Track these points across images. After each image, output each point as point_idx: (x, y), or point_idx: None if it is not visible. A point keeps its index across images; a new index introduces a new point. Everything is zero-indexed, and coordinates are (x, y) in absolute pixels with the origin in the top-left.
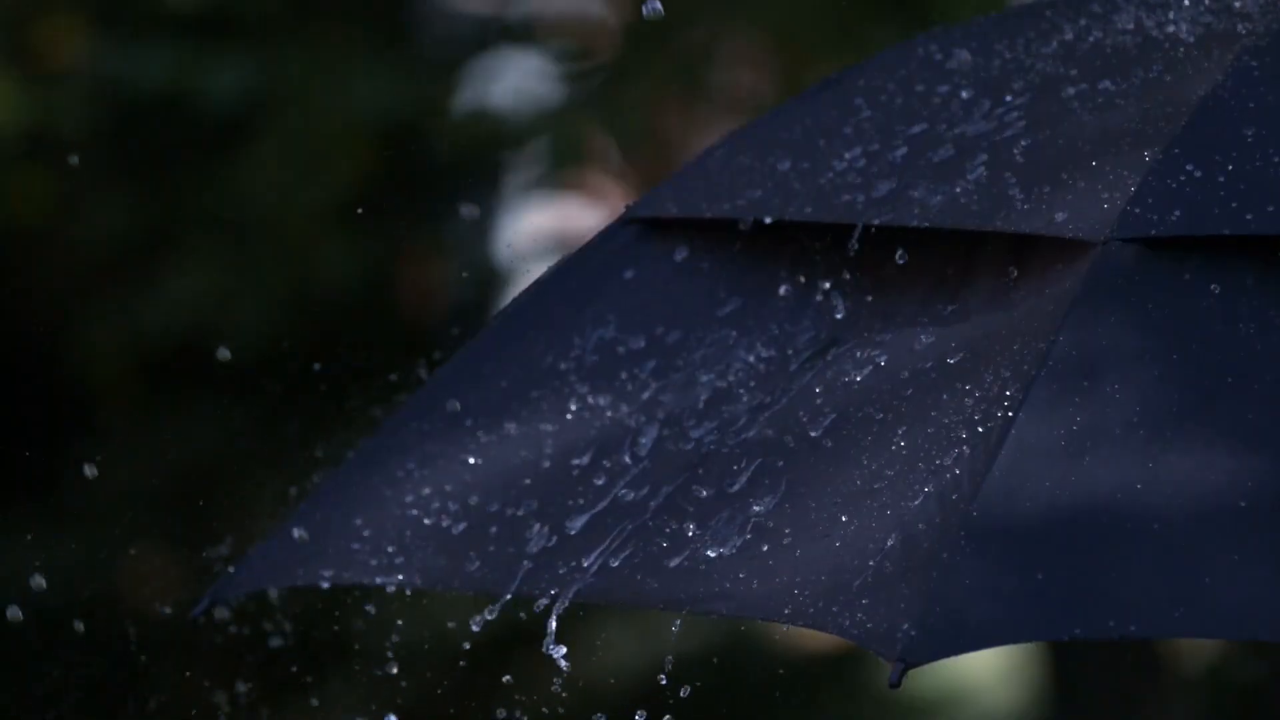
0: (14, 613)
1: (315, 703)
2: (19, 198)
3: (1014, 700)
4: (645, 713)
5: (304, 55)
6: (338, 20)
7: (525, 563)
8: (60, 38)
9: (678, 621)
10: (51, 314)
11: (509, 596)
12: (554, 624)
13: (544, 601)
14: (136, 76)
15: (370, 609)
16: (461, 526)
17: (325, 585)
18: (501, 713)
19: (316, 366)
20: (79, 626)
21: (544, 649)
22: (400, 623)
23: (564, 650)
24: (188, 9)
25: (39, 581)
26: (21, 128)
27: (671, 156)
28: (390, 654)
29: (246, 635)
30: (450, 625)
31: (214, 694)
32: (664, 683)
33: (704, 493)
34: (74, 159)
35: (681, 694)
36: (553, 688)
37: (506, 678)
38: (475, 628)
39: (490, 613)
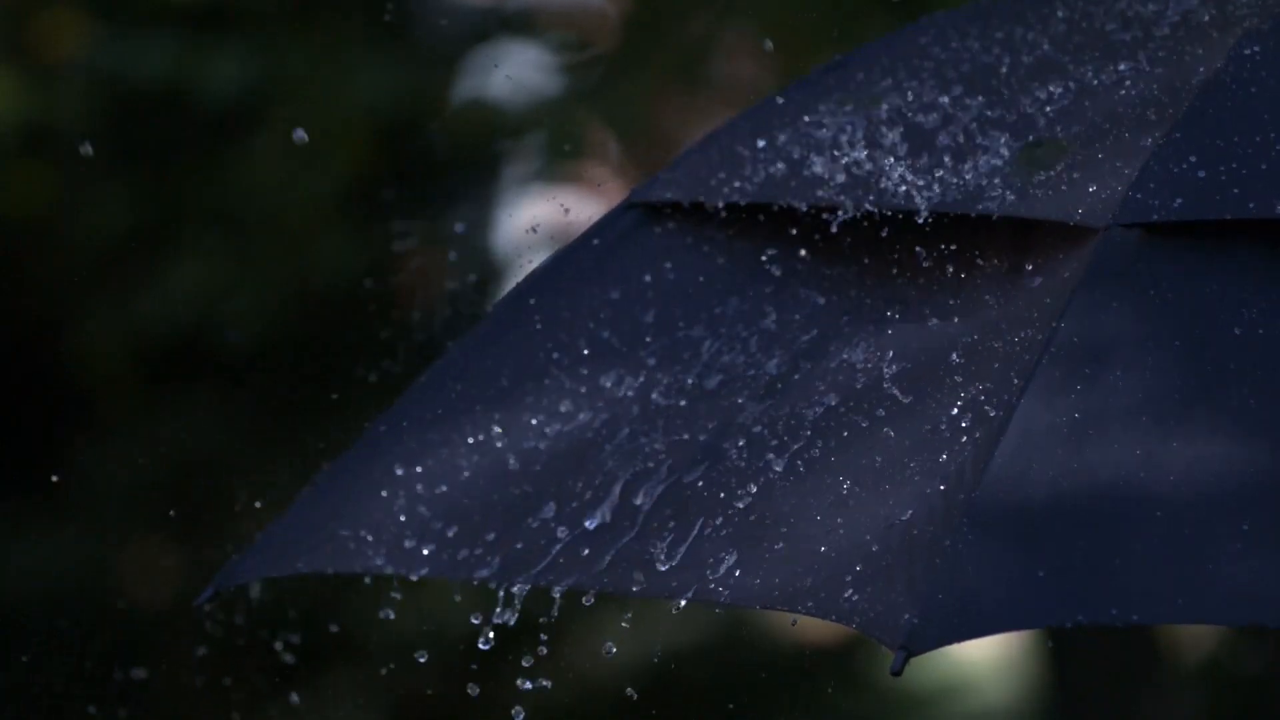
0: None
1: (315, 697)
2: (18, 191)
3: (1012, 693)
4: (642, 705)
5: (303, 47)
6: (336, 12)
7: (528, 552)
8: (59, 30)
9: (675, 612)
10: (51, 308)
11: (499, 588)
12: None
13: (555, 594)
14: (136, 69)
15: (369, 603)
16: (464, 516)
17: (329, 573)
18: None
19: (315, 359)
20: (78, 617)
21: (537, 653)
22: (399, 613)
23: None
24: (187, 1)
25: (38, 575)
26: (21, 121)
27: (671, 148)
28: (388, 649)
29: (246, 630)
30: (449, 619)
31: (214, 687)
32: (663, 675)
33: (705, 482)
34: (86, 147)
35: (680, 688)
36: (548, 680)
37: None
38: (484, 645)
39: (500, 616)
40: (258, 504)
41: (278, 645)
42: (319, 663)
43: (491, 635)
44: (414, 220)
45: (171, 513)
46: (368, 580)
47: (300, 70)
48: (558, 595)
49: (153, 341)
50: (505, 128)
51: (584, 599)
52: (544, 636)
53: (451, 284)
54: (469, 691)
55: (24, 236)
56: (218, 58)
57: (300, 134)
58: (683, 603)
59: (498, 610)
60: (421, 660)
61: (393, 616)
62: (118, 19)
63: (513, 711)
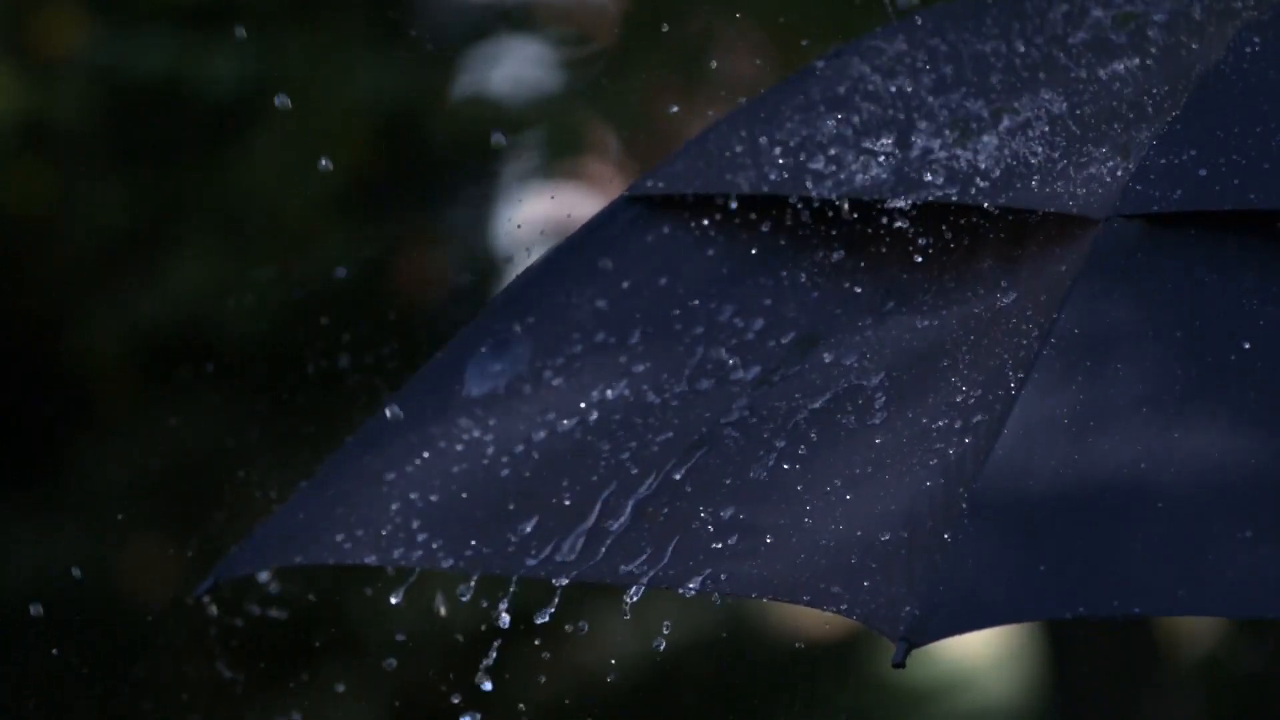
0: (36, 609)
1: (313, 691)
2: (18, 190)
3: (1012, 690)
4: (642, 701)
5: (302, 43)
6: (336, 9)
7: (525, 545)
8: (59, 28)
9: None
10: (50, 305)
11: (489, 580)
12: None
13: (554, 596)
14: (135, 66)
15: (370, 601)
16: (462, 508)
17: (329, 565)
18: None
19: (314, 355)
20: (78, 615)
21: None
22: (398, 602)
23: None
24: None
25: (38, 575)
26: (19, 118)
27: (670, 144)
28: (388, 642)
29: (246, 624)
30: (449, 617)
31: (213, 681)
32: (663, 672)
33: (701, 475)
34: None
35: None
36: (545, 676)
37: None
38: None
39: (498, 617)
40: (256, 499)
41: (277, 644)
42: (319, 660)
43: (495, 653)
44: (413, 217)
45: (169, 508)
46: (368, 591)
47: (300, 68)
48: (558, 592)
49: (153, 341)
50: (505, 123)
51: (579, 625)
52: (541, 640)
53: (450, 280)
54: (468, 688)
55: (24, 236)
56: (217, 55)
57: (282, 100)
58: (682, 593)
59: (499, 608)
60: (422, 658)
61: (402, 640)
62: (117, 16)
63: (518, 708)
